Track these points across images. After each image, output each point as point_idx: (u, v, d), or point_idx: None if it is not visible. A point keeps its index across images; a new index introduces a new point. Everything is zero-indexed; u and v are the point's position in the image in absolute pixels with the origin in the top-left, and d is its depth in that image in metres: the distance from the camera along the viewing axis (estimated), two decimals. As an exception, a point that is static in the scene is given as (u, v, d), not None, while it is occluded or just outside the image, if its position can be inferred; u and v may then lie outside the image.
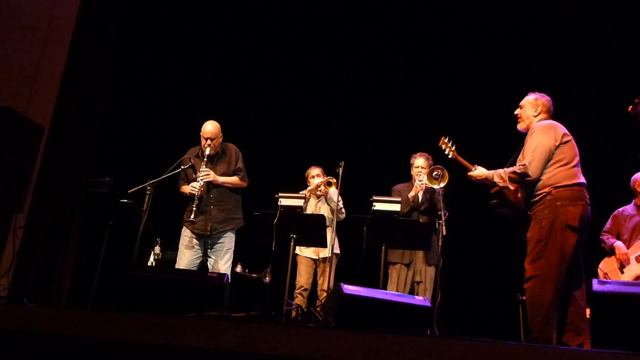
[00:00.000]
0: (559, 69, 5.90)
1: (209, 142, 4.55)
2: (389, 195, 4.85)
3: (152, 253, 5.28)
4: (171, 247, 5.13)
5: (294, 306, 4.06)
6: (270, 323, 3.08)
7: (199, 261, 4.63)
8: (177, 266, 4.61)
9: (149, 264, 5.20)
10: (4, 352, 2.51)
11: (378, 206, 4.16)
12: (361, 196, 4.39)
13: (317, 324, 3.11)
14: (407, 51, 6.49)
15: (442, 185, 4.50)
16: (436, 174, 4.56)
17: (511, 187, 3.62)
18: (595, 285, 3.15)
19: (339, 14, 6.52)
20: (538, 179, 3.47)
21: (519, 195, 3.65)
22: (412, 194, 4.77)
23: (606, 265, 4.86)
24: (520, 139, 3.75)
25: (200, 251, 4.60)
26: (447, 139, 4.08)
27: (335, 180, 4.90)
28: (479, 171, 3.81)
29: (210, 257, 4.61)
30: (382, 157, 6.13)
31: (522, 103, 3.82)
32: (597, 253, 4.95)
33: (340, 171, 4.65)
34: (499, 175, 3.64)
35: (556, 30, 5.94)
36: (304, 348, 2.23)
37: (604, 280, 3.30)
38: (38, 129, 4.02)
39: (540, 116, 3.72)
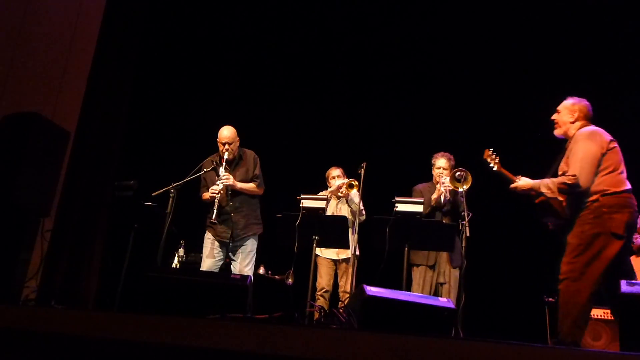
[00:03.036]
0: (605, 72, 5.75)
1: (226, 147, 4.59)
2: (410, 195, 4.81)
3: (176, 255, 5.33)
4: (195, 249, 5.17)
5: (316, 308, 4.06)
6: (293, 325, 3.09)
7: (220, 263, 4.67)
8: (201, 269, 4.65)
9: (173, 266, 5.25)
10: (33, 353, 2.56)
11: (400, 207, 4.12)
12: (383, 197, 4.37)
13: (340, 326, 3.10)
14: (428, 51, 6.45)
15: (465, 187, 4.44)
16: (459, 175, 4.51)
17: (560, 198, 3.54)
18: (624, 287, 3.09)
19: (360, 15, 6.51)
20: (588, 189, 3.41)
21: (564, 204, 3.59)
22: (434, 196, 4.72)
23: (634, 265, 4.75)
24: (554, 145, 3.69)
25: (222, 255, 4.64)
26: (491, 151, 3.96)
27: (357, 182, 4.88)
28: (523, 182, 3.71)
29: (233, 260, 4.65)
30: (403, 158, 6.09)
31: (559, 108, 3.74)
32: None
33: (362, 172, 4.63)
34: (547, 186, 3.54)
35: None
36: (327, 350, 2.23)
37: (633, 281, 3.23)
38: (64, 134, 4.09)
39: (578, 122, 3.63)
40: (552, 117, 3.76)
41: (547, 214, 3.64)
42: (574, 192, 3.44)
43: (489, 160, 3.96)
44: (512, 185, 3.77)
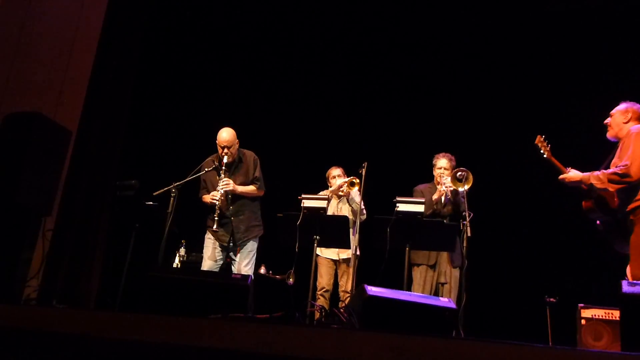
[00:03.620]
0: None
1: (225, 150, 4.55)
2: (411, 195, 4.81)
3: (177, 255, 5.34)
4: (196, 249, 5.18)
5: (317, 307, 4.07)
6: (294, 324, 3.09)
7: (221, 263, 4.68)
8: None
9: (174, 265, 5.26)
10: (34, 353, 2.56)
11: (401, 207, 4.12)
12: (384, 197, 4.37)
13: (341, 326, 3.10)
14: (430, 51, 6.45)
15: (466, 187, 4.44)
16: (460, 175, 4.51)
17: (610, 189, 3.58)
18: (625, 287, 3.08)
19: (361, 15, 6.51)
20: (639, 182, 3.46)
21: (615, 199, 3.60)
22: (435, 196, 4.72)
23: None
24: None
25: (222, 256, 4.65)
26: (543, 138, 3.99)
27: (358, 180, 4.89)
28: (573, 173, 3.77)
29: (233, 260, 4.65)
30: (404, 158, 6.09)
31: (612, 112, 3.83)
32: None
33: (364, 172, 4.63)
34: (597, 177, 3.60)
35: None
36: (328, 350, 2.23)
37: (634, 282, 3.23)
38: (66, 134, 4.10)
39: (631, 123, 3.70)
40: (605, 122, 3.83)
41: (595, 210, 3.66)
42: (625, 182, 3.49)
43: (540, 146, 3.99)
44: (561, 177, 3.81)
